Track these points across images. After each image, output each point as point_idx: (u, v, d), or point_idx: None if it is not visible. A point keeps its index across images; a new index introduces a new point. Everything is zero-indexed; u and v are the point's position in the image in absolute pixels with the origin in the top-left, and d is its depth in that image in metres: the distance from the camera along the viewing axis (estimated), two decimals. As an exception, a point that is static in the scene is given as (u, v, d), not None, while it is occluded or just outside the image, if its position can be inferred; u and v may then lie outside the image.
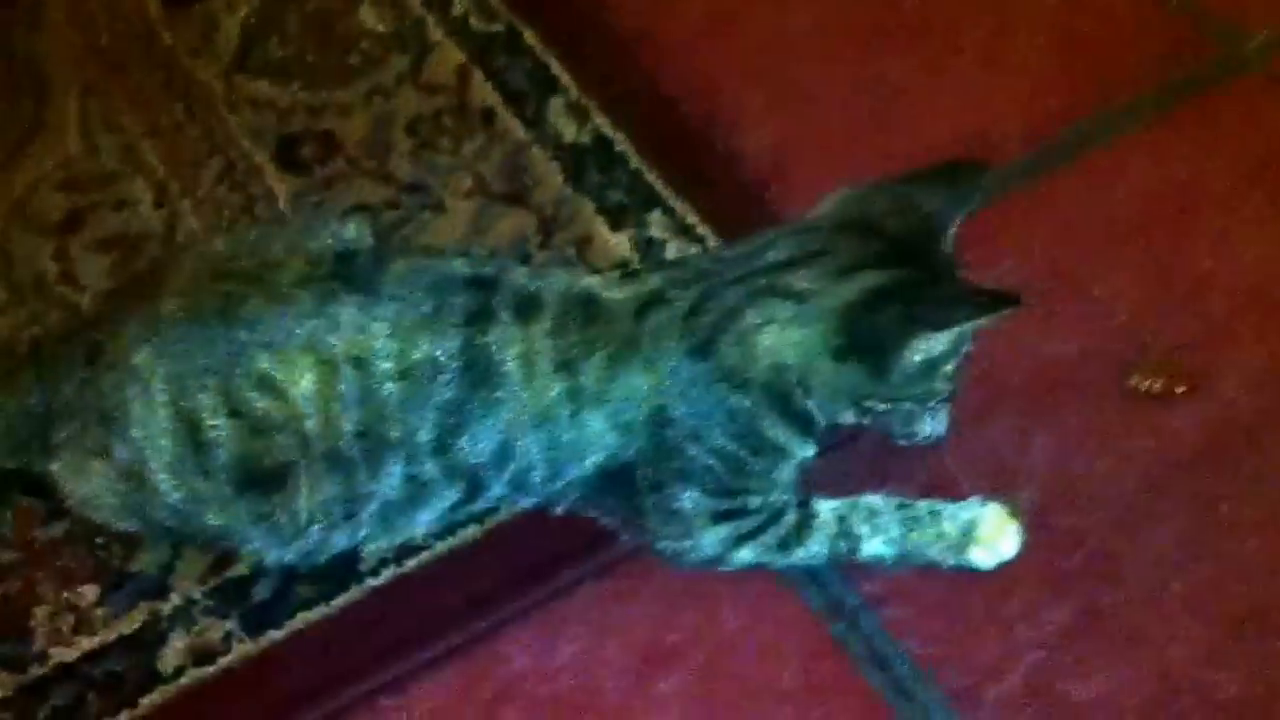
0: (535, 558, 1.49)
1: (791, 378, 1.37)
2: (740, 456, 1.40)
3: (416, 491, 1.41)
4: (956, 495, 1.47)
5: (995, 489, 1.48)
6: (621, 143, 1.80)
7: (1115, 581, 1.46)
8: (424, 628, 1.46)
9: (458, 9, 1.95)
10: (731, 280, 1.38)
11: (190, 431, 1.35)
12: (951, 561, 1.46)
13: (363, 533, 1.44)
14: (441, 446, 1.38)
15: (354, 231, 1.45)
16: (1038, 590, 1.46)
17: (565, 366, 1.38)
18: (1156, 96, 1.81)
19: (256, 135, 1.83)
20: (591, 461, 1.42)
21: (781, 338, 1.35)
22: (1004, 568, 1.46)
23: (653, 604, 1.47)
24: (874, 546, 1.46)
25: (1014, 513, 1.47)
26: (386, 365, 1.35)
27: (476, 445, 1.39)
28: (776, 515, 1.45)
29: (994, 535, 1.46)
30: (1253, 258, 1.67)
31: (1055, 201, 1.73)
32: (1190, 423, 1.55)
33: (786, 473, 1.44)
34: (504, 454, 1.40)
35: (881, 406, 1.39)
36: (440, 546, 1.51)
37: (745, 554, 1.45)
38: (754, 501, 1.43)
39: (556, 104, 1.84)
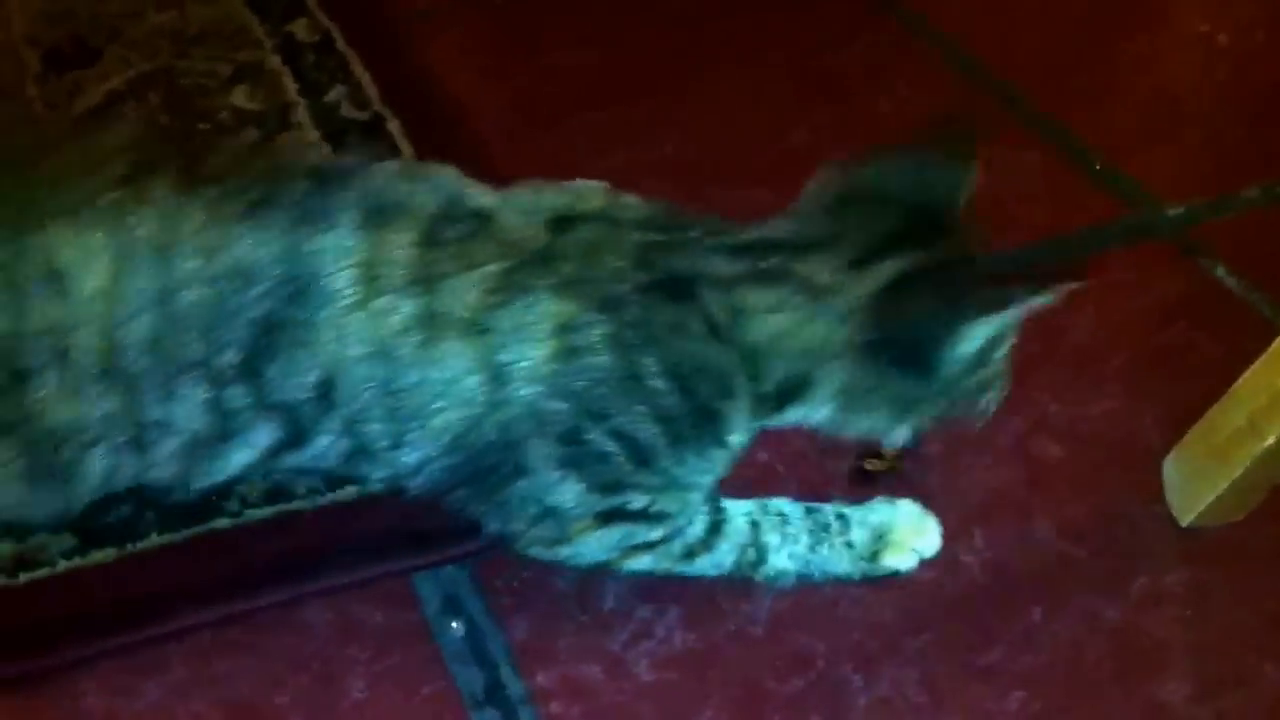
0: (153, 591, 1.25)
1: (801, 372, 1.15)
2: (653, 445, 1.14)
3: (223, 424, 1.14)
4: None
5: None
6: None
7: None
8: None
9: (331, 97, 1.85)
10: (706, 240, 1.15)
11: None
12: (862, 575, 1.25)
13: (161, 469, 1.16)
14: (250, 372, 1.11)
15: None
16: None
17: (423, 283, 1.11)
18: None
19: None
20: (442, 423, 1.13)
21: (793, 327, 1.13)
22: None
23: (271, 660, 1.20)
24: (780, 560, 1.23)
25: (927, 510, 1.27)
26: (193, 264, 1.09)
27: (292, 376, 1.12)
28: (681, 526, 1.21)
29: (911, 536, 1.25)
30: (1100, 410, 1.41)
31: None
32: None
33: (706, 476, 1.20)
34: (328, 392, 1.12)
35: (935, 412, 1.19)
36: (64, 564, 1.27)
37: (642, 562, 1.22)
38: (638, 501, 1.18)
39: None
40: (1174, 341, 1.48)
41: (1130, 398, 1.41)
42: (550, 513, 1.17)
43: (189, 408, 1.12)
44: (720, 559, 1.22)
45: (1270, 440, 1.16)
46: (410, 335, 1.11)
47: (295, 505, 1.32)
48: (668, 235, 1.15)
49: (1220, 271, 1.56)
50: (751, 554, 1.22)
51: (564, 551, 1.20)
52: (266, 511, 1.32)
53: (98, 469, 1.14)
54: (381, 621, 1.22)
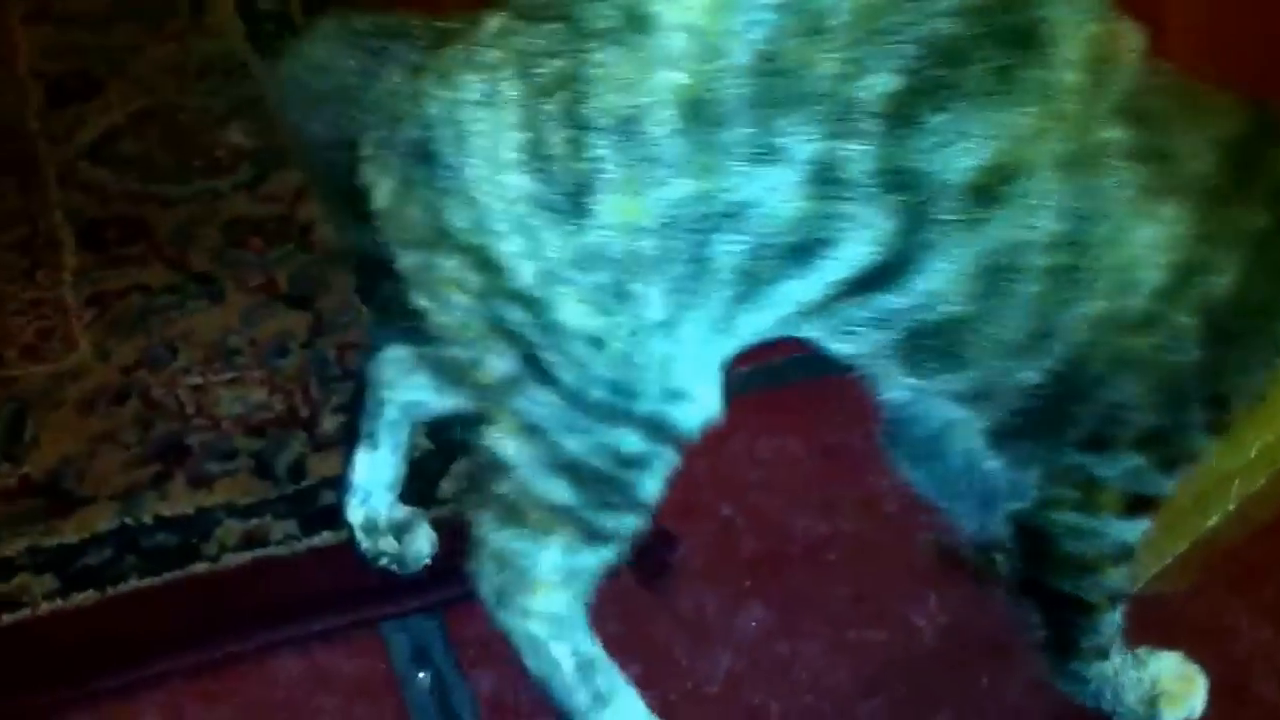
0: (129, 636, 1.29)
1: None
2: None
3: (816, 205, 0.83)
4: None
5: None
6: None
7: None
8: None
9: (327, 136, 1.88)
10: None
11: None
12: (1137, 716, 1.17)
13: (701, 299, 0.88)
14: (898, 119, 0.80)
15: None
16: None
17: (1134, 116, 0.87)
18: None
19: (72, 213, 1.76)
20: (1083, 315, 0.89)
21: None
22: None
23: (241, 710, 1.25)
24: (1110, 664, 1.14)
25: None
26: None
27: (958, 141, 0.81)
28: None
29: (1183, 688, 1.18)
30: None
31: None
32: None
33: None
34: (994, 186, 0.83)
35: None
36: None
37: (1117, 579, 1.08)
38: (1173, 482, 1.02)
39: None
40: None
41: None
42: (1086, 483, 1.00)
43: (779, 178, 0.83)
44: (1109, 630, 1.13)
45: (1215, 519, 1.20)
46: (1127, 167, 0.87)
47: (272, 551, 1.36)
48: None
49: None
50: (1107, 640, 1.14)
51: (1086, 524, 1.03)
52: (245, 557, 1.36)
53: (659, 300, 0.88)
54: (350, 672, 1.26)
